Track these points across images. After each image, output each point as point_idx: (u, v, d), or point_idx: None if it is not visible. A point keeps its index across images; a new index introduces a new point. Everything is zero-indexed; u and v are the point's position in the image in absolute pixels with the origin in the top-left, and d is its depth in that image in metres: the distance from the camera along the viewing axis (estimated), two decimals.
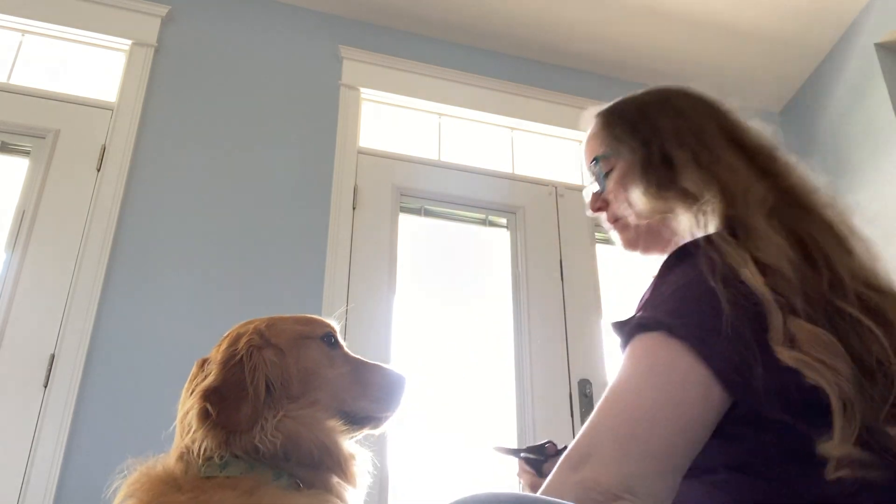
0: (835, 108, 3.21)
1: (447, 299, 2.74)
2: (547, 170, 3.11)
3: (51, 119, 2.45)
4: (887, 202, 2.86)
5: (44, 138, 2.42)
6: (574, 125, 3.17)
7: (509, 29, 3.15)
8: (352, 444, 1.00)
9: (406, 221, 2.80)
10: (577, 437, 0.72)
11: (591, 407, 2.50)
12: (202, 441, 0.87)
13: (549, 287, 2.80)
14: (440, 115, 3.06)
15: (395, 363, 2.49)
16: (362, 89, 2.93)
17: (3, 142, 2.39)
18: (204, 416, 0.88)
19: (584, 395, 2.60)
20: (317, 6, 3.01)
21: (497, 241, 2.91)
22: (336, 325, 1.08)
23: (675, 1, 3.03)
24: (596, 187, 1.05)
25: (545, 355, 2.65)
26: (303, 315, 1.07)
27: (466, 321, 2.71)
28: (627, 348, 0.76)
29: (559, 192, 3.02)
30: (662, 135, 0.95)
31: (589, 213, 1.08)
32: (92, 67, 2.64)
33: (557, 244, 2.90)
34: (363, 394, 1.02)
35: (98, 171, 2.42)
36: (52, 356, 2.12)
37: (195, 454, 0.86)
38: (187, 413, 0.91)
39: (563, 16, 3.10)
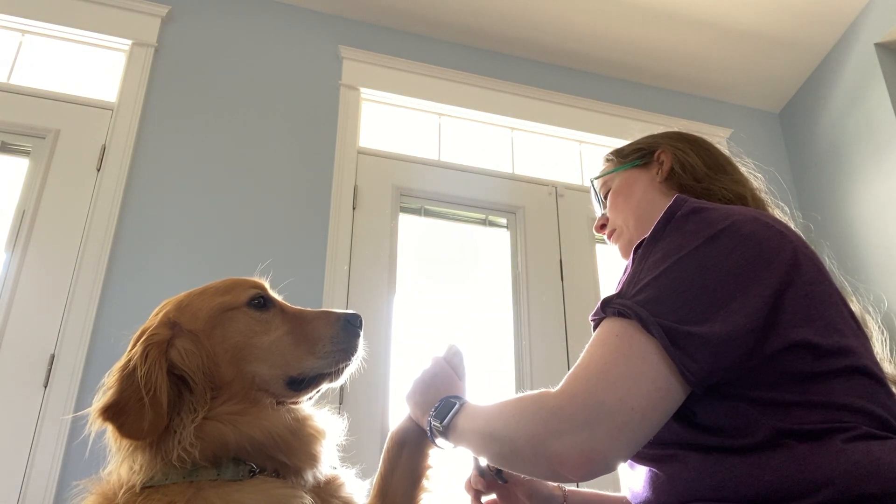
0: (835, 108, 3.21)
1: (447, 299, 2.73)
2: (547, 170, 3.11)
3: (51, 119, 2.44)
4: (887, 202, 2.86)
5: (44, 138, 2.42)
6: (574, 125, 3.20)
7: (509, 29, 3.15)
8: (305, 411, 0.91)
9: (406, 221, 2.80)
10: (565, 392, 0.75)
11: None
12: (133, 456, 0.81)
13: (549, 287, 2.80)
14: (440, 115, 3.06)
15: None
16: (362, 89, 2.93)
17: (3, 142, 2.39)
18: (115, 434, 0.83)
19: None
20: (317, 6, 3.01)
21: (497, 241, 2.91)
22: (265, 281, 0.97)
23: (675, 1, 3.04)
24: None
25: (545, 355, 2.65)
26: (224, 282, 0.95)
27: (466, 321, 2.71)
28: None
29: (559, 192, 3.02)
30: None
31: None
32: (92, 67, 2.64)
33: (557, 244, 2.90)
34: (310, 351, 0.92)
35: (98, 171, 2.42)
36: (52, 356, 2.12)
37: (131, 470, 0.81)
38: None
39: (563, 16, 3.10)
